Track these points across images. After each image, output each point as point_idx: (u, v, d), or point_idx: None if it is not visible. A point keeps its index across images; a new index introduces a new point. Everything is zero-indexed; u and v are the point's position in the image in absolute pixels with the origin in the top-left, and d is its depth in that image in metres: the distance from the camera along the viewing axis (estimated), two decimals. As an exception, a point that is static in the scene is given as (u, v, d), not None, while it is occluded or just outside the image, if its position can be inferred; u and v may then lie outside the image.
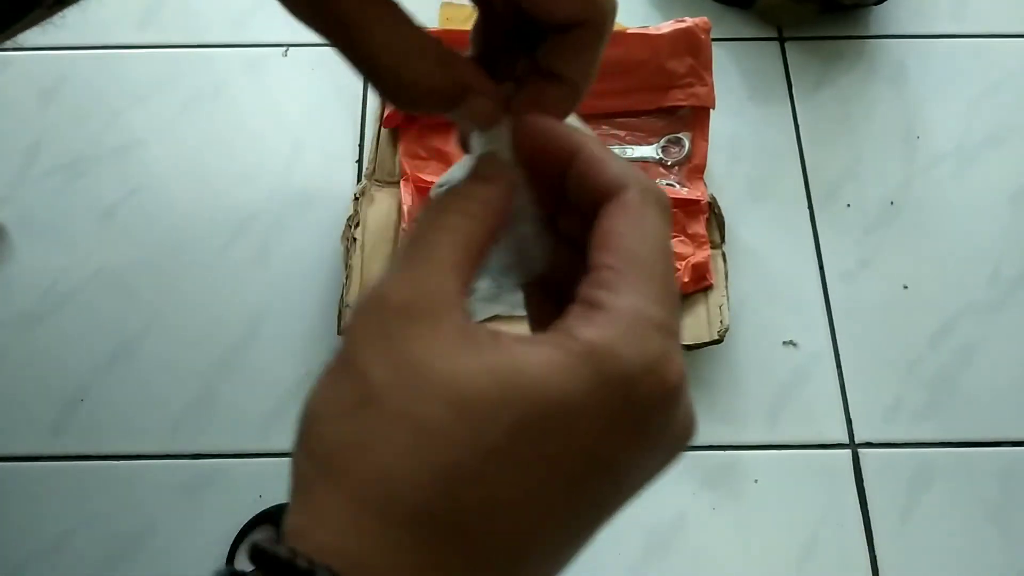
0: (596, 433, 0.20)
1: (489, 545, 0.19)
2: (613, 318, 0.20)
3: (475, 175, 0.25)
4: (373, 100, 0.72)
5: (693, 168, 0.67)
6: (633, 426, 0.20)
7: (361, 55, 0.23)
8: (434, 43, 0.23)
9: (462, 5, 0.73)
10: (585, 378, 0.20)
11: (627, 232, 0.22)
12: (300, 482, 0.20)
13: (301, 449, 0.21)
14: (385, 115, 0.67)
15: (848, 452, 0.60)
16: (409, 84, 0.23)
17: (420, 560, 0.19)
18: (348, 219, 0.64)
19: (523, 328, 0.25)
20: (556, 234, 0.26)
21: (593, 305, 0.21)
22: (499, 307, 0.28)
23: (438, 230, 0.22)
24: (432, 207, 0.23)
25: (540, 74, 0.25)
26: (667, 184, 0.66)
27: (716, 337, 0.60)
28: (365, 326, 0.21)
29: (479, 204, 0.23)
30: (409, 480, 0.19)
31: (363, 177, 0.67)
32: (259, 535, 0.18)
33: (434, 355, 0.20)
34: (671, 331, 0.21)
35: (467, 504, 0.19)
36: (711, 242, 0.64)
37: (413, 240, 0.23)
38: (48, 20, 0.35)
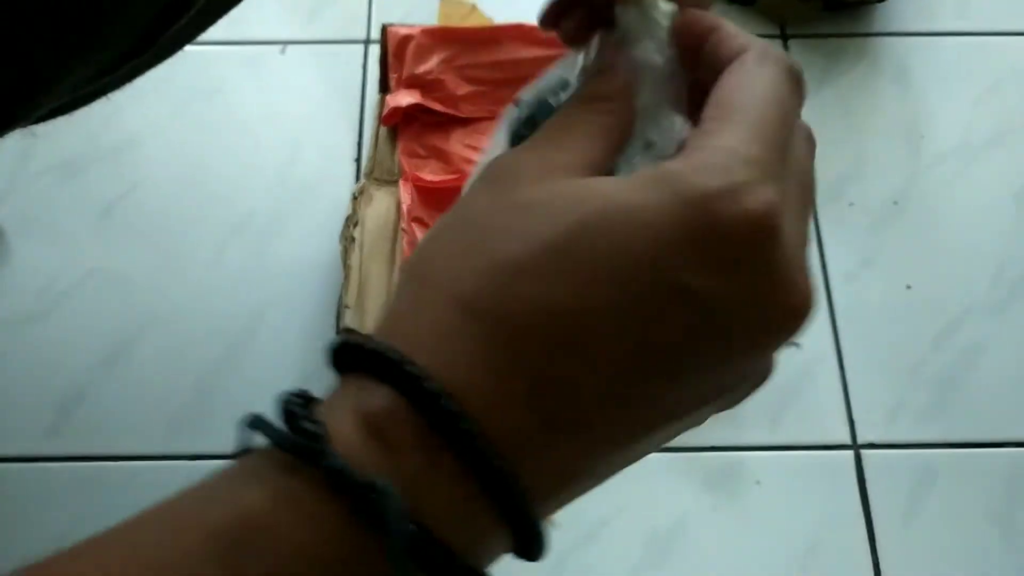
0: (666, 250, 0.19)
1: (540, 345, 0.19)
2: (698, 152, 0.20)
3: (601, 69, 0.25)
4: (372, 98, 0.72)
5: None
6: (713, 254, 0.19)
7: None
8: None
9: (461, 2, 0.73)
10: (656, 194, 0.19)
11: (735, 86, 0.22)
12: (394, 292, 0.23)
13: (402, 267, 0.23)
14: (384, 113, 0.67)
15: (851, 453, 0.60)
16: None
17: (469, 347, 0.19)
18: (347, 218, 0.64)
19: None
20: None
21: (683, 148, 0.21)
22: None
23: (573, 129, 0.23)
24: (570, 106, 0.24)
25: None
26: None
27: (718, 337, 0.60)
28: (482, 181, 0.22)
29: (616, 101, 0.24)
30: (465, 272, 0.20)
31: (362, 176, 0.67)
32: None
33: (527, 187, 0.21)
34: (767, 169, 0.20)
35: (520, 297, 0.19)
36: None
37: (548, 136, 0.23)
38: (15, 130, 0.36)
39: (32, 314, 0.63)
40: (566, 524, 0.57)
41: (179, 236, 0.67)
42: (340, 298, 0.61)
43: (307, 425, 0.19)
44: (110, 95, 0.40)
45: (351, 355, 0.21)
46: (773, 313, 0.20)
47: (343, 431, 0.19)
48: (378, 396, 0.20)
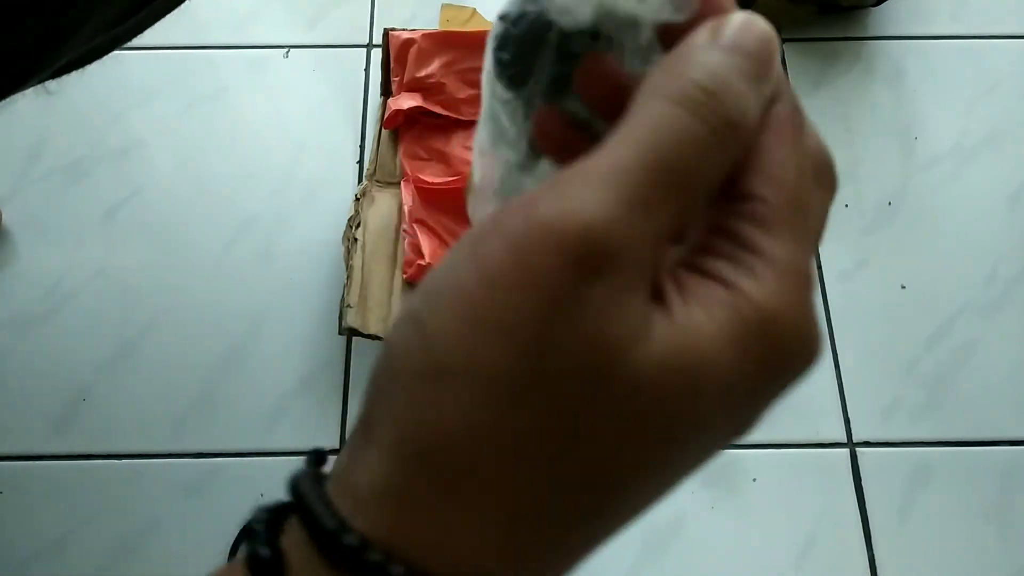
0: (738, 407, 0.18)
1: (604, 524, 0.18)
2: (776, 273, 0.18)
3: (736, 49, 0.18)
4: (374, 101, 0.72)
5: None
6: (767, 398, 0.18)
7: None
8: None
9: (462, 7, 0.73)
10: (753, 357, 0.17)
11: (785, 161, 0.18)
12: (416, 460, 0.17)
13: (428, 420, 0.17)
14: (386, 116, 0.67)
15: (846, 451, 0.60)
16: None
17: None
18: (349, 219, 0.64)
19: None
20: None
21: (746, 246, 0.18)
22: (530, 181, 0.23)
23: (663, 152, 0.17)
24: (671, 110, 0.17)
25: None
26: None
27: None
28: (536, 257, 0.16)
29: (738, 128, 0.18)
30: (545, 482, 0.17)
31: (364, 178, 0.67)
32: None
33: (621, 335, 0.16)
34: (813, 286, 0.18)
35: (613, 493, 0.17)
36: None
37: (620, 151, 0.17)
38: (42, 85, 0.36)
39: (38, 314, 0.64)
40: (565, 520, 0.57)
41: (184, 237, 0.67)
42: (342, 298, 0.61)
43: None
44: (120, 48, 0.40)
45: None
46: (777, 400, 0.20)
47: None
48: None
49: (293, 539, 0.18)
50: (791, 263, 0.18)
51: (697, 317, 0.17)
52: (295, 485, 0.18)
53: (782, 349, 0.17)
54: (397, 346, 0.17)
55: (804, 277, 0.18)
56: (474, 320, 0.16)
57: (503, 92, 0.21)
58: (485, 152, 0.22)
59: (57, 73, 0.37)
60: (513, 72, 0.21)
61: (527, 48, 0.20)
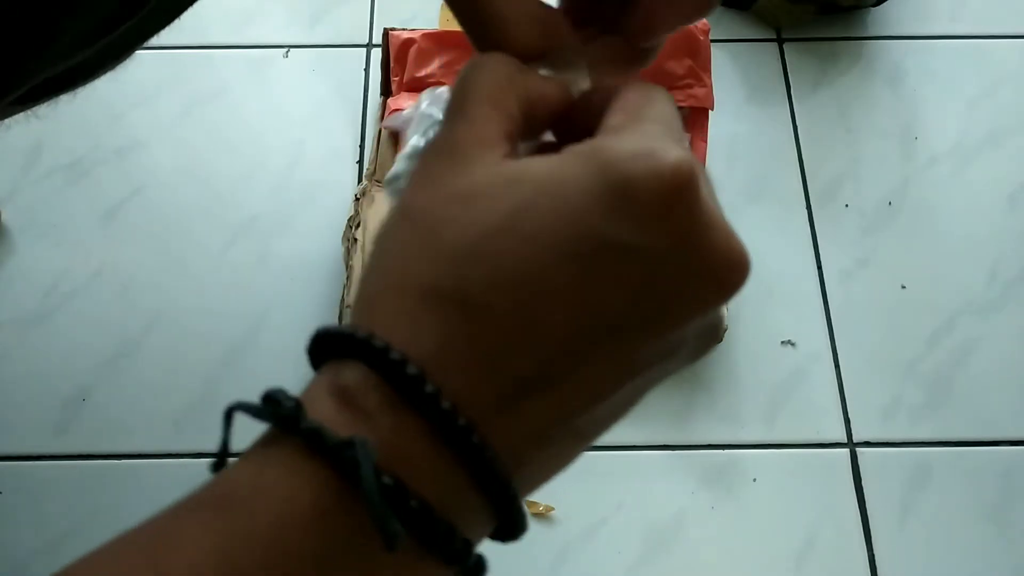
0: (595, 214, 0.21)
1: (495, 318, 0.21)
2: (613, 133, 0.22)
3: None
4: (374, 101, 0.72)
5: (692, 169, 0.67)
6: (637, 210, 0.21)
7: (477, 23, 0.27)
8: (532, 5, 0.27)
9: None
10: (580, 166, 0.21)
11: (636, 97, 0.24)
12: (356, 291, 0.24)
13: (364, 266, 0.24)
14: (386, 116, 0.67)
15: (846, 451, 0.60)
16: (508, 47, 0.26)
17: (432, 328, 0.21)
18: (349, 219, 0.64)
19: None
20: None
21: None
22: None
23: (476, 75, 0.24)
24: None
25: (616, 30, 0.28)
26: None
27: (715, 337, 0.60)
28: (418, 168, 0.24)
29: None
30: (422, 264, 0.22)
31: (364, 177, 0.67)
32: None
33: (460, 175, 0.22)
34: (676, 141, 0.22)
35: (472, 278, 0.21)
36: (710, 242, 0.64)
37: (459, 114, 0.24)
38: (19, 114, 0.35)
39: (38, 314, 0.64)
40: (565, 520, 0.57)
41: (183, 237, 0.67)
42: (342, 298, 0.61)
43: (284, 401, 0.21)
44: (116, 68, 0.40)
45: (324, 345, 0.22)
46: (708, 262, 0.22)
47: (318, 405, 0.21)
48: (348, 370, 0.21)
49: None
50: (635, 129, 0.22)
51: (541, 159, 0.22)
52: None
53: (614, 162, 0.21)
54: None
55: (650, 131, 0.22)
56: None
57: None
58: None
59: (45, 95, 0.37)
60: None
61: None
